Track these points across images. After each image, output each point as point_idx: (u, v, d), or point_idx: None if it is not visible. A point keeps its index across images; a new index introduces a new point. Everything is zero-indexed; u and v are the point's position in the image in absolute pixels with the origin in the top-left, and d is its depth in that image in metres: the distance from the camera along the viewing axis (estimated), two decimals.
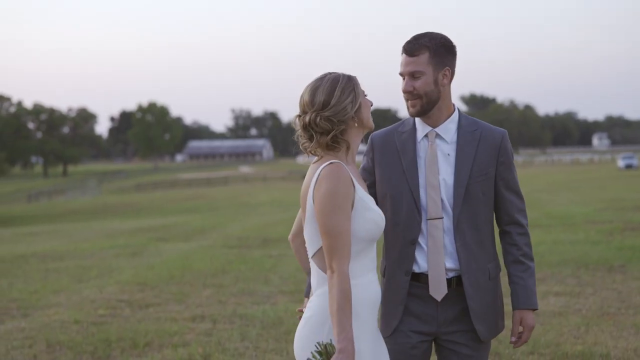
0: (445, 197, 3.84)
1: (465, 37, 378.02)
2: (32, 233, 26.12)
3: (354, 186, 3.50)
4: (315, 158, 3.62)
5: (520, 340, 3.91)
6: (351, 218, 3.47)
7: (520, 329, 3.92)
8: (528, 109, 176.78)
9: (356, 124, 3.62)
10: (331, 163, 3.49)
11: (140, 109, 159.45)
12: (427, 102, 3.85)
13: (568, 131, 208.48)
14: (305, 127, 3.58)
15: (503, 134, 3.97)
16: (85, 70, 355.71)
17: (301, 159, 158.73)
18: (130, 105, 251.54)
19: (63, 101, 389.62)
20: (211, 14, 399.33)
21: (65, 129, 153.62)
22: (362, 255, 3.56)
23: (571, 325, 8.35)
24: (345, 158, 3.61)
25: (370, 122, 3.70)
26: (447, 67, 3.87)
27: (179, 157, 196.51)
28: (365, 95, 3.71)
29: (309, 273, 3.80)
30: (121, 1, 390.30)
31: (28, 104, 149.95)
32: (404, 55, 3.85)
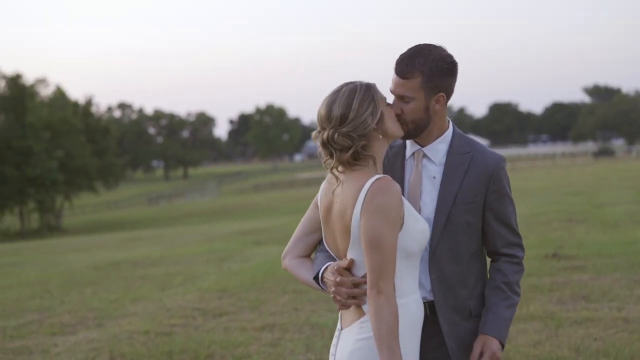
0: None
1: (582, 24, 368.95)
2: (137, 238, 26.50)
3: (402, 199, 3.25)
4: (340, 168, 3.34)
5: None
6: (403, 233, 3.23)
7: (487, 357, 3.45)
8: None
9: (380, 136, 3.33)
10: (379, 178, 3.22)
11: (258, 111, 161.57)
12: (415, 128, 3.47)
13: None
14: (324, 144, 3.31)
15: (498, 161, 3.54)
16: (204, 75, 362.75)
17: None
18: (249, 108, 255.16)
19: (182, 106, 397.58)
20: (326, 16, 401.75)
21: (185, 133, 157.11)
22: (409, 270, 3.33)
23: None
24: (375, 171, 3.32)
25: (397, 131, 3.40)
26: (442, 94, 3.45)
27: (298, 157, 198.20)
28: (388, 104, 3.41)
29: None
30: (236, 6, 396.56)
31: (149, 110, 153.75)
32: (394, 74, 3.45)
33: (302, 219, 3.64)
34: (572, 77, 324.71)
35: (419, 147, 3.55)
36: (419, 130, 3.47)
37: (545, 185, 39.51)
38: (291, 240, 3.64)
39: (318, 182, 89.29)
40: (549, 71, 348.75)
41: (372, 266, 3.17)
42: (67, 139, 62.97)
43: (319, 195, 3.50)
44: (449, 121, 3.60)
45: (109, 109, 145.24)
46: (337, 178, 3.33)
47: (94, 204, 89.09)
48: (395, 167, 3.58)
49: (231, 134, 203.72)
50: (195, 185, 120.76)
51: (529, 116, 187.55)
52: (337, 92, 3.33)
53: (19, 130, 60.38)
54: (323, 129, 3.33)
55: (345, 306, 3.35)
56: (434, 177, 3.51)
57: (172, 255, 17.57)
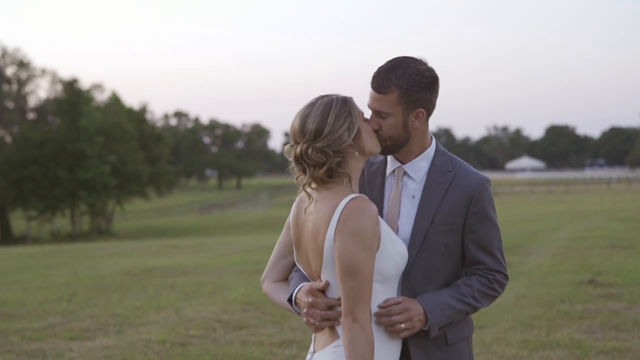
0: None
1: None
2: (178, 246, 26.49)
3: (379, 221, 3.07)
4: (314, 185, 3.18)
5: (387, 315, 3.12)
6: (379, 255, 3.05)
7: (400, 306, 3.14)
8: None
9: (356, 152, 3.15)
10: (354, 198, 3.04)
11: None
12: (393, 144, 3.29)
13: None
14: (297, 159, 3.14)
15: (480, 181, 3.33)
16: (261, 87, 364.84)
17: None
18: None
19: (237, 117, 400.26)
20: (393, 33, 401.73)
21: (240, 144, 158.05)
22: (385, 295, 3.16)
23: None
24: (350, 190, 3.14)
25: (374, 148, 3.22)
26: (421, 109, 3.26)
27: None
28: (366, 119, 3.24)
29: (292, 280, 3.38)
30: (293, 21, 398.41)
31: (204, 119, 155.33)
32: (371, 88, 3.27)
33: (277, 242, 3.49)
34: (631, 101, 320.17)
35: (399, 164, 3.37)
36: (397, 147, 3.30)
37: (595, 209, 38.81)
38: (268, 264, 3.50)
39: None
40: (607, 95, 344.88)
41: (348, 293, 3.00)
42: (120, 145, 63.59)
43: (291, 215, 3.33)
44: (431, 138, 3.42)
45: (166, 117, 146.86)
46: (309, 195, 3.17)
47: (145, 210, 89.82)
48: (374, 184, 3.41)
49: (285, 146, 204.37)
50: (248, 195, 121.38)
51: (585, 139, 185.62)
52: (312, 105, 3.18)
53: (73, 134, 61.09)
54: (296, 143, 3.17)
55: (318, 329, 3.19)
56: (414, 197, 3.33)
57: (206, 264, 17.48)
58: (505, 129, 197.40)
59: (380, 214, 3.32)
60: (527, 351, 8.06)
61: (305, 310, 3.18)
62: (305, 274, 3.28)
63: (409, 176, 3.35)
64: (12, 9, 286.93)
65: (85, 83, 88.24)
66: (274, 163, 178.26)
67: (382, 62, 3.30)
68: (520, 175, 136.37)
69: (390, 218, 3.31)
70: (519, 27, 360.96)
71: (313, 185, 3.16)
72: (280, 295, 3.37)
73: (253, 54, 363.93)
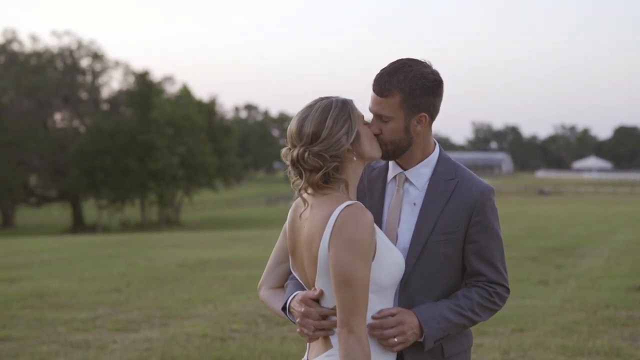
0: None
1: None
2: (238, 238, 26.70)
3: (374, 229, 3.00)
4: (310, 191, 3.10)
5: (380, 327, 3.05)
6: (375, 265, 2.98)
7: (393, 319, 3.07)
8: None
9: (355, 157, 3.08)
10: (349, 205, 2.96)
11: None
12: (394, 149, 3.20)
13: None
14: (294, 163, 3.06)
15: (484, 191, 3.23)
16: (329, 82, 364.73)
17: (540, 173, 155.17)
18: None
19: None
20: (432, 27, 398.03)
21: None
22: (380, 305, 3.09)
23: None
24: (347, 196, 3.07)
25: (374, 153, 3.14)
26: (423, 114, 3.17)
27: None
28: (366, 122, 3.16)
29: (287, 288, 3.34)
30: (370, 16, 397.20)
31: (274, 112, 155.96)
32: (372, 91, 3.19)
33: (274, 248, 3.43)
34: None
35: (401, 170, 3.29)
36: (398, 152, 3.21)
37: None
38: (265, 271, 3.44)
39: None
40: None
41: (343, 304, 2.94)
42: (189, 136, 64.23)
43: (287, 221, 3.25)
44: (435, 144, 3.32)
45: (236, 110, 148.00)
46: (305, 201, 3.09)
47: (214, 201, 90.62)
48: (375, 190, 3.32)
49: None
50: None
51: None
52: (310, 108, 3.09)
53: (144, 125, 61.91)
54: (293, 146, 3.08)
55: (312, 339, 3.13)
56: (415, 204, 3.24)
57: (261, 257, 17.60)
58: (572, 129, 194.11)
59: (380, 220, 3.25)
60: (564, 357, 7.98)
61: (298, 320, 3.13)
62: (301, 281, 3.22)
63: (411, 183, 3.26)
64: (87, 2, 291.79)
65: (156, 75, 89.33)
66: None
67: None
68: (586, 175, 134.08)
69: (390, 225, 3.23)
70: (591, 25, 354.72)
71: (310, 191, 3.08)
72: (276, 303, 3.31)
73: (324, 46, 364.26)
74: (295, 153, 3.05)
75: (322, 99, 3.11)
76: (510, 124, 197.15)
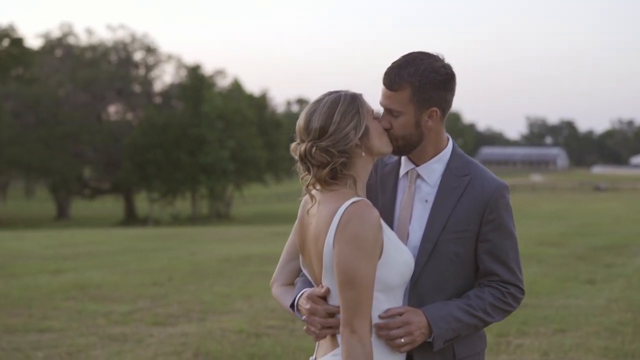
0: (410, 251, 3.10)
1: None
2: (283, 232, 26.64)
3: (381, 227, 2.94)
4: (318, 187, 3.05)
5: (386, 328, 2.98)
6: (382, 264, 2.93)
7: (400, 319, 3.00)
8: None
9: (363, 153, 3.02)
10: (355, 202, 2.91)
11: None
12: (405, 144, 3.13)
13: None
14: (302, 158, 3.03)
15: (497, 188, 3.15)
16: (379, 77, 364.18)
17: (597, 169, 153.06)
18: None
19: None
20: (499, 21, 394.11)
21: None
22: (388, 305, 3.02)
23: None
24: (354, 192, 3.00)
25: (384, 148, 3.08)
26: (434, 108, 3.09)
27: None
28: (376, 117, 3.09)
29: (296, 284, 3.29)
30: (413, 9, 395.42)
31: None
32: (382, 85, 3.13)
33: (286, 244, 3.38)
34: None
35: (413, 165, 3.22)
36: (409, 147, 3.14)
37: None
38: (277, 267, 3.40)
39: None
40: None
41: (346, 303, 2.89)
42: (240, 130, 64.43)
43: (297, 217, 3.21)
44: (448, 139, 3.23)
45: (288, 104, 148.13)
46: (312, 197, 3.05)
47: (265, 195, 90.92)
48: (386, 186, 3.25)
49: None
50: None
51: None
52: (318, 102, 3.04)
53: (195, 118, 62.28)
54: (302, 141, 3.04)
55: (319, 337, 3.08)
56: (426, 201, 3.17)
57: None
58: (630, 123, 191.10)
59: (392, 217, 3.19)
60: (606, 359, 7.80)
61: (304, 317, 3.09)
62: (310, 278, 3.18)
63: (423, 179, 3.19)
64: None
65: (208, 69, 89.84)
66: None
67: None
68: None
69: (401, 222, 3.17)
70: None
71: (318, 187, 3.04)
72: (286, 300, 3.26)
73: (377, 38, 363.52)
74: (303, 148, 3.02)
75: (331, 93, 3.07)
76: (565, 119, 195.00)
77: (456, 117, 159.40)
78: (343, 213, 2.90)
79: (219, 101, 63.78)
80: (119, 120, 69.00)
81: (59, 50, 68.77)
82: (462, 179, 3.15)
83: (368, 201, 2.96)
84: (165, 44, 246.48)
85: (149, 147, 61.19)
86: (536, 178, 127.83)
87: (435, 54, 3.14)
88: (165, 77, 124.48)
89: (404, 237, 3.13)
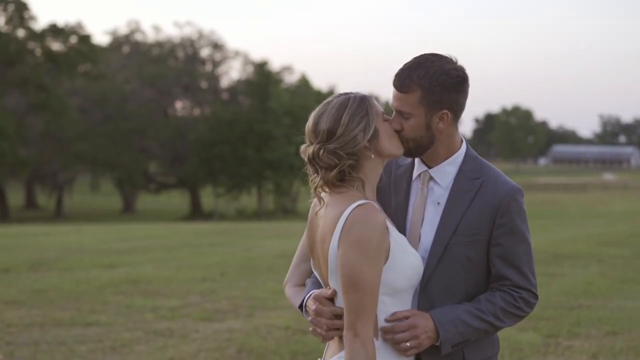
0: (420, 254, 3.05)
1: None
2: None
3: (388, 230, 2.89)
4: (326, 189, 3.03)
5: (391, 331, 2.93)
6: (389, 267, 2.89)
7: (405, 323, 2.94)
8: None
9: (372, 155, 2.98)
10: (360, 205, 2.88)
11: (504, 112, 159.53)
12: (416, 147, 3.08)
13: None
14: (310, 160, 3.01)
15: (510, 191, 3.08)
16: None
17: None
18: (495, 108, 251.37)
19: None
20: (573, 19, 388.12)
21: None
22: (395, 309, 2.98)
23: None
24: (362, 195, 2.96)
25: (394, 150, 3.04)
26: (445, 111, 3.03)
27: (542, 161, 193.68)
28: (387, 119, 3.05)
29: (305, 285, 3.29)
30: (483, 5, 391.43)
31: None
32: (393, 87, 3.09)
33: (299, 245, 3.38)
34: None
35: (426, 168, 3.16)
36: (420, 149, 3.10)
37: None
38: (290, 268, 3.40)
39: (556, 188, 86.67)
40: None
41: (349, 306, 2.86)
42: None
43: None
44: (461, 141, 3.18)
45: None
46: (320, 199, 3.02)
47: None
48: (400, 188, 3.21)
49: (476, 132, 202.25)
50: None
51: None
52: (327, 104, 3.01)
53: (261, 114, 62.55)
54: (310, 143, 3.02)
55: (326, 339, 3.05)
56: (438, 203, 3.12)
57: None
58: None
59: (405, 220, 3.14)
60: None
61: (310, 318, 3.07)
62: (320, 280, 3.15)
63: (435, 181, 3.14)
64: None
65: (275, 65, 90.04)
66: None
67: None
68: None
69: (413, 225, 3.12)
70: None
71: (326, 189, 3.02)
72: (297, 300, 3.26)
73: (443, 31, 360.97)
74: (311, 150, 3.00)
75: (340, 95, 3.05)
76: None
77: (528, 115, 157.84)
78: (348, 216, 2.88)
79: (285, 97, 63.96)
80: (185, 116, 69.64)
81: (126, 47, 69.66)
82: (475, 181, 3.11)
83: (374, 204, 2.93)
84: (232, 41, 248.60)
85: (215, 142, 61.61)
86: (608, 177, 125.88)
87: (447, 55, 3.09)
88: (232, 73, 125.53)
89: (416, 240, 3.09)
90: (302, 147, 3.06)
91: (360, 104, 2.98)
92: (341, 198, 2.95)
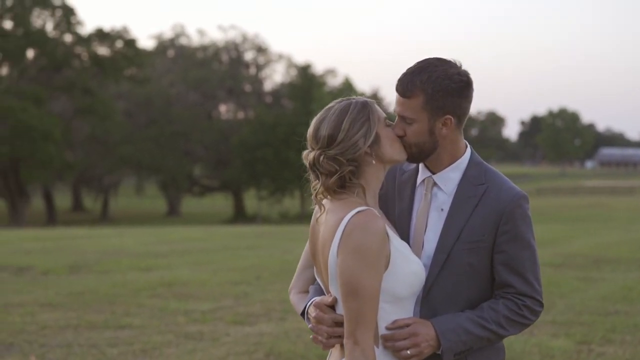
0: (423, 261, 3.01)
1: None
2: None
3: (388, 237, 2.87)
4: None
5: (391, 339, 2.89)
6: (389, 275, 2.86)
7: (406, 330, 2.91)
8: None
9: (374, 161, 2.95)
10: (360, 211, 2.85)
11: (551, 114, 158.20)
12: (419, 152, 3.04)
13: None
14: (311, 166, 3.01)
15: (514, 197, 3.02)
16: (497, 75, 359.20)
17: None
18: (541, 110, 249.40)
19: (473, 105, 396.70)
20: (621, 21, 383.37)
21: (474, 131, 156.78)
22: (396, 316, 2.95)
23: None
24: (363, 202, 2.94)
25: (397, 155, 3.01)
26: (449, 116, 2.99)
27: (589, 164, 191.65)
28: (389, 124, 3.02)
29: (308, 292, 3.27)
30: (531, 6, 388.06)
31: None
32: (396, 92, 3.05)
33: (303, 251, 3.35)
34: None
35: (429, 173, 3.12)
36: (423, 154, 3.05)
37: None
38: (294, 275, 3.38)
39: (603, 191, 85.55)
40: None
41: (349, 314, 2.83)
42: None
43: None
44: (466, 146, 3.13)
45: None
46: (321, 206, 3.00)
47: None
48: (404, 194, 3.17)
49: (522, 135, 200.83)
50: None
51: None
52: (328, 109, 2.99)
53: (304, 117, 62.57)
54: (311, 149, 3.01)
55: (326, 346, 3.02)
56: (442, 209, 3.07)
57: None
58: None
59: (409, 226, 3.10)
60: None
61: (311, 325, 3.04)
62: (322, 286, 3.12)
63: (439, 187, 3.09)
64: None
65: (318, 68, 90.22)
66: (507, 151, 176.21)
67: None
68: None
69: (417, 231, 3.08)
70: None
71: (327, 195, 2.99)
72: (300, 307, 3.23)
73: (484, 42, 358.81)
74: (311, 156, 3.00)
75: (341, 100, 3.02)
76: None
77: (575, 117, 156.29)
78: (347, 223, 2.85)
79: (329, 100, 63.39)
80: (229, 119, 70.01)
81: (171, 50, 70.28)
82: (479, 187, 3.06)
83: (374, 211, 2.89)
84: (276, 44, 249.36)
85: (258, 145, 61.78)
86: None
87: (451, 60, 3.05)
88: (276, 76, 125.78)
89: (419, 247, 3.06)
90: (304, 153, 3.06)
91: (362, 109, 2.95)
92: (341, 204, 2.92)
